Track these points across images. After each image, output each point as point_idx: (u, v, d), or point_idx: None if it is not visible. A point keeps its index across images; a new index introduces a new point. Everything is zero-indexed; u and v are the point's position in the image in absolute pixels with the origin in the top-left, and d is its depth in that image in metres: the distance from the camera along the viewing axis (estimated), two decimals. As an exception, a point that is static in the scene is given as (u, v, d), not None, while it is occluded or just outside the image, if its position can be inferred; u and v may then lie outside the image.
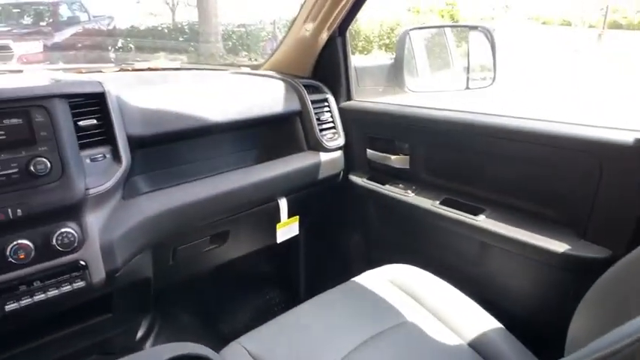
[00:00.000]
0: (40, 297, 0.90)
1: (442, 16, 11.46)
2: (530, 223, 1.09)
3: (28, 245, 0.87)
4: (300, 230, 1.45)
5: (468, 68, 1.55)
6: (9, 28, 8.00)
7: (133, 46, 9.28)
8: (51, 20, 8.68)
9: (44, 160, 0.88)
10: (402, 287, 1.12)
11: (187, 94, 1.21)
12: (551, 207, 1.07)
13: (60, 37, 8.37)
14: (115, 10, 11.18)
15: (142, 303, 1.21)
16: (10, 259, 0.86)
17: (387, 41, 9.11)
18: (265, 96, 1.36)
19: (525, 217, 1.11)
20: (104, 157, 0.99)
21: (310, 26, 1.33)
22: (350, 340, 0.95)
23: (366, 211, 1.50)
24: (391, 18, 9.18)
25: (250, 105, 1.31)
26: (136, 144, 1.06)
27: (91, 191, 0.94)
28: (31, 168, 0.87)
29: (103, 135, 1.00)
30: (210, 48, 9.29)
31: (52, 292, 0.91)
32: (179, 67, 1.60)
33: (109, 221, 0.99)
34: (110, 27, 10.05)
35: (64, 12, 9.02)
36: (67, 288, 0.93)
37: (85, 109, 0.98)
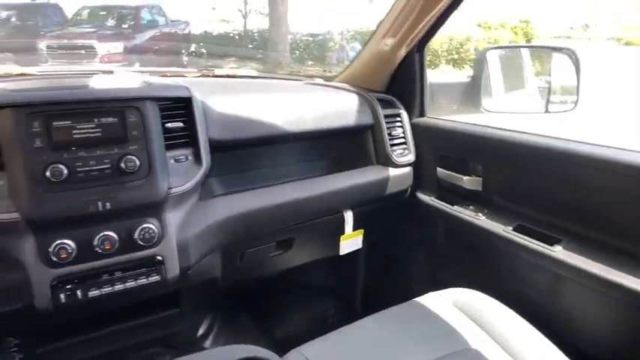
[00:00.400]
0: (119, 287, 0.95)
1: (515, 34, 11.07)
2: (612, 258, 1.02)
3: (114, 237, 0.93)
4: (362, 244, 1.44)
5: (549, 91, 1.48)
6: (95, 30, 8.59)
7: (204, 51, 9.71)
8: (132, 23, 9.26)
9: (134, 158, 0.94)
10: (467, 313, 1.08)
11: (265, 102, 1.25)
12: (637, 244, 1.00)
13: (139, 39, 8.89)
14: (192, 15, 11.73)
15: (207, 302, 1.25)
16: (97, 248, 0.91)
17: (456, 57, 8.94)
18: (338, 108, 1.37)
19: (607, 251, 1.04)
20: (186, 158, 1.04)
21: (390, 41, 1.33)
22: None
23: (433, 231, 1.47)
24: (461, 33, 8.99)
25: (323, 116, 1.32)
26: (215, 147, 1.10)
27: (173, 190, 0.99)
28: (122, 165, 0.93)
29: (187, 137, 1.05)
30: (277, 56, 9.52)
31: (130, 284, 0.96)
32: (256, 75, 1.65)
33: (185, 220, 1.04)
34: (185, 31, 10.57)
35: (145, 15, 9.57)
36: (143, 281, 0.98)
37: (173, 112, 1.03)
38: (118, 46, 8.22)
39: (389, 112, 1.41)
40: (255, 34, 11.31)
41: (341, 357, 0.95)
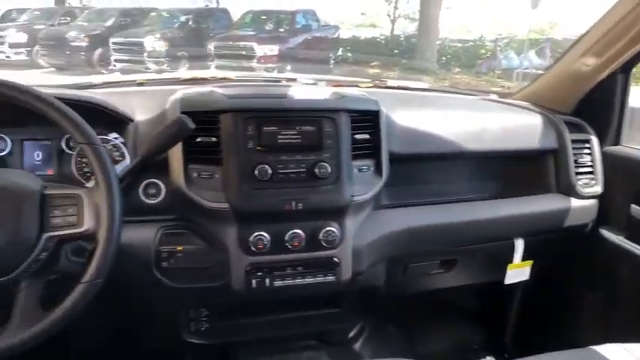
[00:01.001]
0: (299, 281, 1.03)
1: None
2: None
3: (302, 235, 1.00)
4: (529, 275, 1.35)
5: None
6: (255, 33, 9.36)
7: (350, 55, 9.98)
8: (288, 27, 9.90)
9: (326, 165, 1.00)
10: None
11: (444, 119, 1.24)
12: None
13: (292, 42, 9.48)
14: (342, 19, 12.13)
15: (366, 307, 1.28)
16: (287, 243, 1.00)
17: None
18: (519, 129, 1.31)
19: None
20: (368, 168, 1.08)
21: (591, 61, 1.22)
22: None
23: (615, 274, 1.32)
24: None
25: (503, 136, 1.27)
26: (392, 160, 1.13)
27: (355, 198, 1.04)
28: (316, 170, 1.00)
29: (371, 149, 1.09)
30: (424, 63, 9.38)
31: (308, 280, 1.04)
32: (428, 87, 1.65)
33: (361, 228, 1.08)
34: (335, 36, 10.99)
35: (300, 20, 10.14)
36: (320, 279, 1.04)
37: (361, 124, 1.08)
38: (274, 49, 8.88)
39: (577, 136, 1.30)
40: (402, 40, 11.29)
41: None
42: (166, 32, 9.36)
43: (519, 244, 1.28)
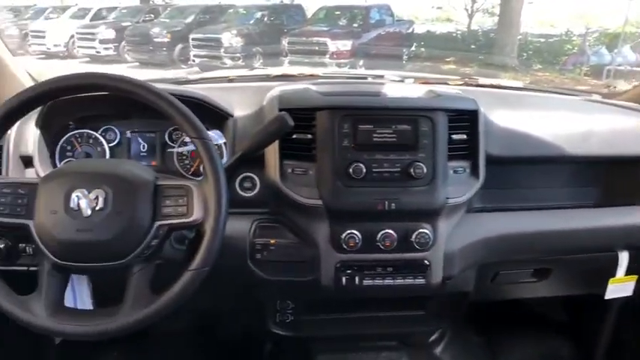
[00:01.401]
0: (388, 281, 1.02)
1: None
2: None
3: (394, 235, 0.99)
4: (635, 293, 1.26)
5: None
6: (328, 28, 9.39)
7: (424, 50, 9.74)
8: (361, 22, 9.83)
9: (422, 165, 0.98)
10: None
11: (546, 120, 1.18)
12: None
13: (366, 37, 9.40)
14: (417, 14, 11.87)
15: (452, 312, 1.25)
16: (378, 243, 0.99)
17: None
18: (627, 132, 1.22)
19: None
20: (464, 170, 1.05)
21: None
22: None
23: None
24: None
25: (609, 140, 1.19)
26: (489, 162, 1.08)
27: (450, 201, 1.01)
28: (410, 170, 0.98)
29: (467, 150, 1.05)
30: (503, 58, 8.96)
31: (398, 281, 1.03)
32: (522, 86, 1.57)
33: (454, 231, 1.05)
34: (409, 31, 10.77)
35: (374, 15, 10.04)
36: (409, 281, 1.03)
37: (458, 124, 1.04)
38: (347, 44, 8.85)
39: None
40: (480, 35, 10.86)
41: None
42: (242, 28, 9.61)
43: (624, 257, 1.19)
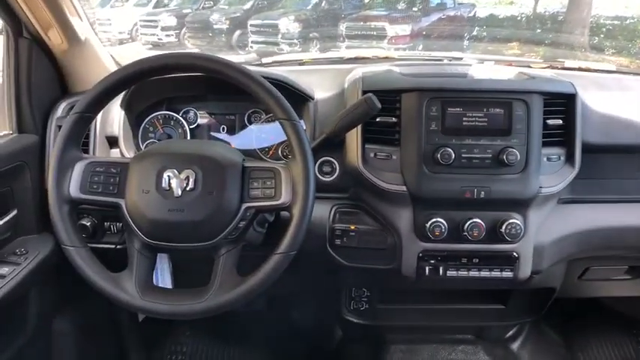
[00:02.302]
0: (473, 273, 0.98)
1: None
2: None
3: (482, 225, 0.95)
4: None
5: None
6: (387, 12, 9.19)
7: (486, 35, 9.34)
8: (421, 6, 9.55)
9: (515, 151, 0.93)
10: None
11: None
12: None
13: (425, 22, 9.13)
14: (478, -2, 11.38)
15: (534, 307, 1.19)
16: (465, 233, 0.95)
17: None
18: None
19: None
20: (559, 158, 0.99)
21: None
22: None
23: None
24: None
25: None
26: (585, 150, 1.01)
27: (543, 190, 0.95)
28: (503, 157, 0.93)
29: (563, 136, 0.99)
30: (572, 41, 8.43)
31: (484, 273, 0.98)
32: (614, 69, 1.45)
33: (545, 223, 0.99)
34: (470, 14, 10.35)
35: (434, -1, 9.73)
36: (496, 273, 0.98)
37: (554, 108, 0.97)
38: (406, 29, 8.63)
39: None
40: (547, 17, 10.27)
41: None
42: (300, 14, 9.60)
43: None
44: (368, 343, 1.31)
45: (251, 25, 9.26)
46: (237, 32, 9.54)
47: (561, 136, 0.99)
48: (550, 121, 0.97)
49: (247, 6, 10.18)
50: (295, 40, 8.99)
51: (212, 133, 1.14)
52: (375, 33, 8.58)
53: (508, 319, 1.25)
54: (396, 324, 1.26)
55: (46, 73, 1.12)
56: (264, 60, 1.46)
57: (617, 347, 1.52)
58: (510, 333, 1.35)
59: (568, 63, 1.48)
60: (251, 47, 9.12)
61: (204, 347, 1.52)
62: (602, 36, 9.02)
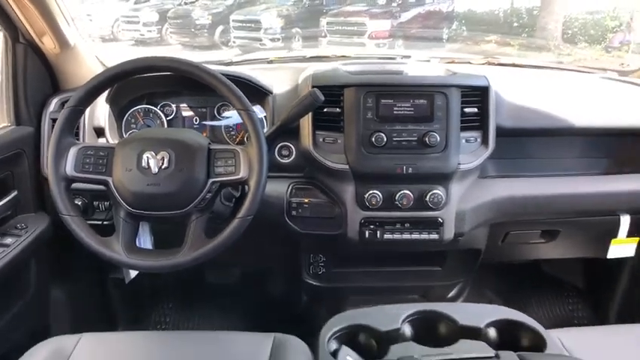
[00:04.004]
0: (405, 236, 1.18)
1: None
2: None
3: (410, 195, 1.15)
4: (635, 253, 1.36)
5: None
6: (367, 8, 9.34)
7: (465, 29, 9.56)
8: (400, 1, 9.72)
9: (436, 134, 1.13)
10: None
11: (554, 95, 1.29)
12: None
13: (404, 17, 9.31)
14: (458, -10, 11.58)
15: (467, 268, 1.39)
16: (397, 202, 1.15)
17: None
18: (634, 106, 1.30)
19: None
20: (475, 140, 1.19)
21: None
22: None
23: None
24: None
25: (617, 114, 1.29)
26: (500, 133, 1.21)
27: (461, 166, 1.15)
28: (426, 139, 1.13)
29: (478, 122, 1.19)
30: (546, 36, 8.71)
31: (414, 236, 1.18)
32: (542, 65, 1.66)
33: (465, 193, 1.20)
34: (449, 9, 10.57)
35: (414, -7, 9.90)
36: (424, 236, 1.18)
37: (471, 99, 1.18)
38: (385, 24, 8.81)
39: None
40: (523, 12, 10.54)
41: (600, 353, 0.96)
42: (282, 9, 9.67)
43: (625, 220, 1.30)
44: (328, 305, 1.50)
45: (233, 21, 9.30)
46: (220, 28, 9.55)
47: (477, 122, 1.18)
48: (467, 109, 1.17)
49: (229, 1, 10.19)
50: (278, 36, 9.09)
51: (186, 124, 1.32)
52: (355, 28, 8.73)
53: (446, 280, 1.45)
54: (350, 285, 1.45)
55: (39, 74, 1.29)
56: (235, 59, 1.64)
57: (551, 308, 1.74)
58: (452, 293, 1.55)
59: (503, 60, 1.68)
60: (234, 42, 9.19)
61: (186, 317, 1.71)
62: (575, 30, 9.32)
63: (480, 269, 1.53)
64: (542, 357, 0.81)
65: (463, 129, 1.17)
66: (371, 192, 1.15)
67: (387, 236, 1.18)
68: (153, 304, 1.73)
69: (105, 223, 1.24)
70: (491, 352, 0.78)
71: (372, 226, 1.17)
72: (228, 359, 0.97)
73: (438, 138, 1.13)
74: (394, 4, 9.65)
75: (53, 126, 1.21)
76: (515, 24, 9.87)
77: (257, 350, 0.95)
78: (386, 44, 8.40)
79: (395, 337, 0.86)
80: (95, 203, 1.27)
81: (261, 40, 8.93)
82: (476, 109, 1.18)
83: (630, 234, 1.31)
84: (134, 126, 1.31)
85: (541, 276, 1.75)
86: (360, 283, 1.44)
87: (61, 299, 1.41)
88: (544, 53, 7.87)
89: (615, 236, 1.32)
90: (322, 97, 1.07)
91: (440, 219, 1.17)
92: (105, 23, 9.96)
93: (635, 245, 1.35)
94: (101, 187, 0.99)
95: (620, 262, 1.43)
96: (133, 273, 1.27)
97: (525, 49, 8.15)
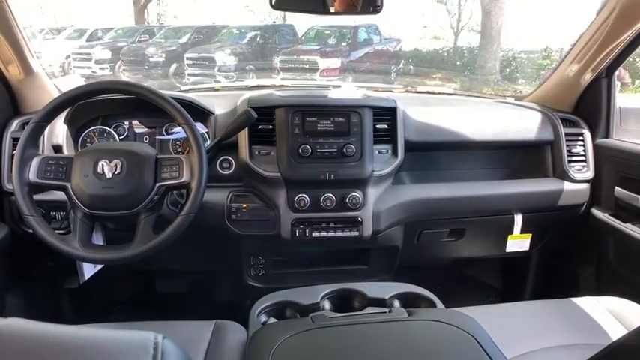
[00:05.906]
0: (330, 234, 1.36)
1: None
2: None
3: (333, 198, 1.34)
4: (531, 249, 1.60)
5: None
6: (318, 47, 9.78)
7: (412, 67, 10.17)
8: (350, 41, 10.26)
9: (352, 147, 1.34)
10: (619, 318, 1.16)
11: (454, 115, 1.54)
12: None
13: (354, 56, 9.81)
14: (403, 33, 12.33)
15: (388, 265, 1.59)
16: (322, 204, 1.34)
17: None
18: (520, 124, 1.57)
19: None
20: (387, 151, 1.41)
21: (575, 67, 1.48)
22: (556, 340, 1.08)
23: (604, 247, 1.55)
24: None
25: (505, 130, 1.54)
26: (409, 147, 1.44)
27: (375, 173, 1.36)
28: (344, 150, 1.33)
29: (389, 136, 1.41)
30: (486, 74, 9.41)
31: (338, 233, 1.37)
32: (452, 92, 1.94)
33: (381, 197, 1.40)
34: (397, 49, 11.21)
35: (362, 34, 10.44)
36: (346, 233, 1.37)
37: (382, 117, 1.40)
38: (336, 62, 9.26)
39: (571, 130, 1.55)
40: (465, 52, 11.32)
41: (499, 325, 1.12)
42: (236, 47, 9.91)
43: (518, 218, 1.54)
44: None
45: (187, 59, 9.49)
46: (174, 65, 9.66)
47: (388, 136, 1.40)
48: (379, 126, 1.39)
49: (183, 40, 10.38)
50: (232, 73, 9.30)
51: (138, 141, 1.47)
52: (307, 66, 9.10)
53: (372, 277, 1.62)
54: (287, 286, 1.59)
55: (2, 98, 1.43)
56: (183, 87, 1.82)
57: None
58: None
59: (420, 88, 1.96)
60: (188, 79, 9.30)
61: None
62: (512, 68, 10.10)
63: (406, 272, 1.73)
64: (426, 311, 1.01)
65: (376, 142, 1.39)
66: (300, 196, 1.33)
67: (315, 234, 1.36)
68: (105, 313, 1.81)
69: (61, 231, 1.36)
70: (385, 309, 0.97)
71: (301, 226, 1.35)
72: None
73: (355, 149, 1.34)
74: (344, 44, 10.16)
75: (14, 144, 1.35)
76: (458, 62, 10.60)
77: (199, 335, 1.08)
78: (337, 79, 8.75)
79: (316, 309, 1.04)
80: (52, 213, 1.39)
81: (215, 77, 9.11)
82: (386, 126, 1.40)
83: (523, 230, 1.55)
84: (89, 144, 1.45)
85: (463, 278, 1.97)
86: (297, 283, 1.59)
87: (15, 308, 1.49)
88: (485, 88, 8.48)
89: (512, 232, 1.56)
90: (255, 115, 1.26)
91: (359, 218, 1.37)
92: (55, 60, 9.87)
93: (528, 240, 1.59)
94: (60, 192, 1.13)
95: (524, 262, 1.66)
96: (88, 274, 1.39)
97: (468, 85, 8.75)
